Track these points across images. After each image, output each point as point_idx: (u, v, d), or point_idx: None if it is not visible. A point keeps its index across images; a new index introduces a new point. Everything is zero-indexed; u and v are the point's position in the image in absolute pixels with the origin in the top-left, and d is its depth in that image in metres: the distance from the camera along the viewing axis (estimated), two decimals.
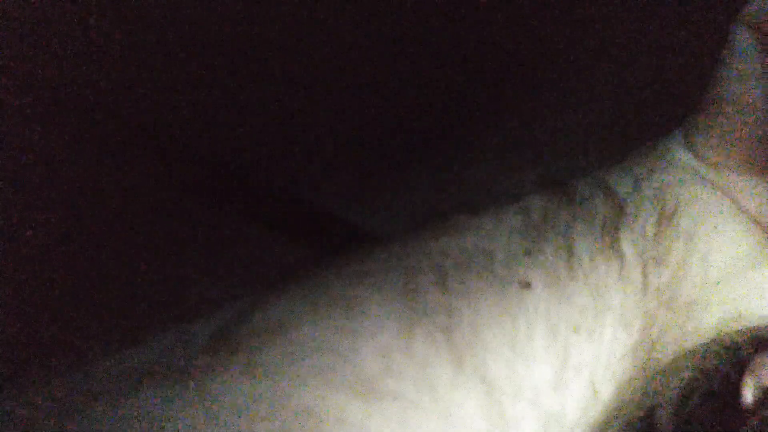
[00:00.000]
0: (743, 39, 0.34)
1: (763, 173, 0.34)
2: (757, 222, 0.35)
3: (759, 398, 0.41)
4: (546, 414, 0.31)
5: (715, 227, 0.35)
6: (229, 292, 0.31)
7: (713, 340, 0.36)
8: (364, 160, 0.59)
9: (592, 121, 0.58)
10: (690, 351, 0.35)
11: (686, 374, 0.39)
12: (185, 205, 0.58)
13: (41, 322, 0.49)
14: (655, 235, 0.34)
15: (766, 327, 0.37)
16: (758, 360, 0.41)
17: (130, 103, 0.60)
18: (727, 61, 0.34)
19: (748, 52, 0.34)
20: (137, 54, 0.60)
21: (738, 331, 0.36)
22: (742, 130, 0.34)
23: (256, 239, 0.58)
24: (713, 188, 0.35)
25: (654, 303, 0.33)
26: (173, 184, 0.59)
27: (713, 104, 0.35)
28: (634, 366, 0.33)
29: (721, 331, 0.36)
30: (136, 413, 0.27)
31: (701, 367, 0.39)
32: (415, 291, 0.31)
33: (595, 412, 0.33)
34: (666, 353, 0.34)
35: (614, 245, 0.33)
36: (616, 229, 0.33)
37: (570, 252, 0.33)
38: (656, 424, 0.42)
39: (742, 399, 0.41)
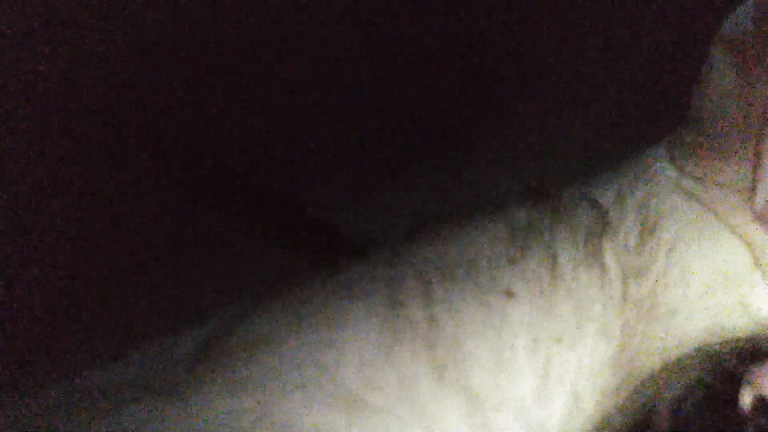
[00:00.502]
0: (720, 57, 0.34)
1: (744, 190, 0.34)
2: (739, 236, 0.35)
3: (756, 406, 0.41)
4: (529, 424, 0.32)
5: (696, 241, 0.35)
6: (218, 300, 0.31)
7: (696, 351, 0.36)
8: (358, 167, 0.59)
9: (580, 130, 0.58)
10: (674, 362, 0.36)
11: (676, 383, 0.39)
12: (181, 210, 0.59)
13: (27, 335, 0.49)
14: (637, 246, 0.34)
15: (746, 339, 0.37)
16: (756, 370, 0.41)
17: (131, 108, 0.61)
18: (706, 79, 0.35)
19: (725, 71, 0.34)
20: (139, 59, 0.61)
21: (720, 342, 0.36)
22: (721, 146, 0.34)
23: (252, 245, 0.58)
24: (696, 202, 0.35)
25: (634, 314, 0.33)
26: (171, 189, 0.59)
27: (694, 120, 0.35)
28: (616, 376, 0.34)
29: (703, 342, 0.36)
30: (119, 429, 0.28)
31: (688, 376, 0.39)
32: (399, 301, 0.32)
33: (578, 423, 0.33)
34: (649, 363, 0.35)
35: (597, 255, 0.33)
36: (599, 239, 0.34)
37: (554, 261, 0.33)
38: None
39: (740, 406, 0.42)
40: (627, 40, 0.58)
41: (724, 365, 0.39)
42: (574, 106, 0.59)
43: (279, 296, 0.32)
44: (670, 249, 0.34)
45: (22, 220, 0.55)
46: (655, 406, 0.42)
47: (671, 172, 0.35)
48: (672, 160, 0.36)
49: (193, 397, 0.28)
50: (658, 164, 0.36)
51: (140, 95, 0.60)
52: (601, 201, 0.35)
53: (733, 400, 0.42)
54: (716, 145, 0.34)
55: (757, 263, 0.35)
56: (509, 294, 0.32)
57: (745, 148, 0.34)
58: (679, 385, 0.41)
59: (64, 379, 0.29)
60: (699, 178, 0.35)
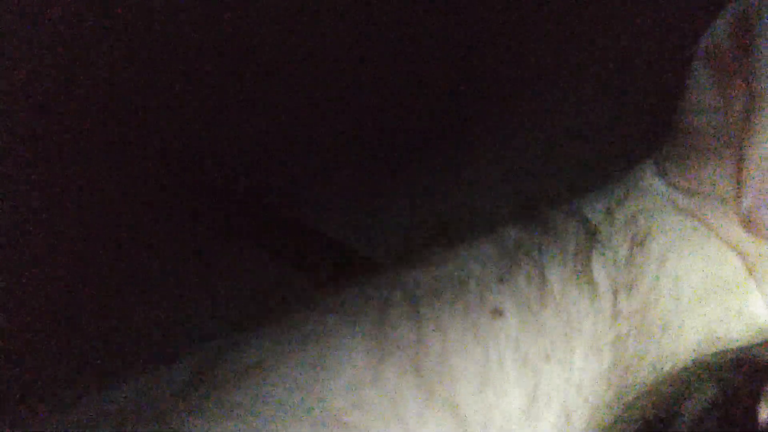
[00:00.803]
0: (701, 71, 0.34)
1: (732, 200, 0.35)
2: (730, 246, 0.35)
3: None
4: None
5: (686, 251, 0.35)
6: (213, 319, 0.31)
7: (694, 363, 0.36)
8: (357, 170, 0.60)
9: (568, 147, 0.58)
10: (673, 375, 0.36)
11: (689, 402, 0.39)
12: (183, 221, 0.59)
13: (22, 361, 0.50)
14: (627, 260, 0.34)
15: (744, 349, 0.37)
16: None
17: (133, 111, 0.61)
18: (688, 93, 0.35)
19: (704, 84, 0.35)
20: (141, 61, 0.61)
21: (716, 353, 0.36)
22: (706, 157, 0.35)
23: (250, 257, 0.58)
24: (685, 214, 0.35)
25: (625, 328, 0.34)
26: (173, 200, 0.60)
27: (679, 133, 0.36)
28: (608, 391, 0.34)
29: (699, 353, 0.36)
30: None
31: (695, 390, 0.40)
32: (387, 322, 0.32)
33: None
34: (642, 378, 0.35)
35: (586, 272, 0.34)
36: (588, 256, 0.34)
37: (542, 279, 0.33)
38: None
39: (759, 419, 0.42)
40: (619, 56, 0.58)
41: (734, 382, 0.39)
42: (569, 113, 0.60)
43: (270, 320, 0.33)
44: (660, 261, 0.34)
45: (22, 221, 0.56)
46: (660, 420, 0.43)
47: (661, 187, 0.36)
48: (660, 174, 0.36)
49: (186, 425, 0.29)
50: (647, 179, 0.36)
51: (143, 99, 0.61)
52: (590, 217, 0.35)
53: (751, 416, 0.42)
54: (701, 156, 0.35)
55: (750, 271, 0.36)
56: (498, 312, 0.33)
57: (729, 157, 0.34)
58: (694, 402, 0.41)
59: (59, 409, 0.29)
60: (687, 191, 0.35)
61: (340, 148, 0.60)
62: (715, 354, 0.36)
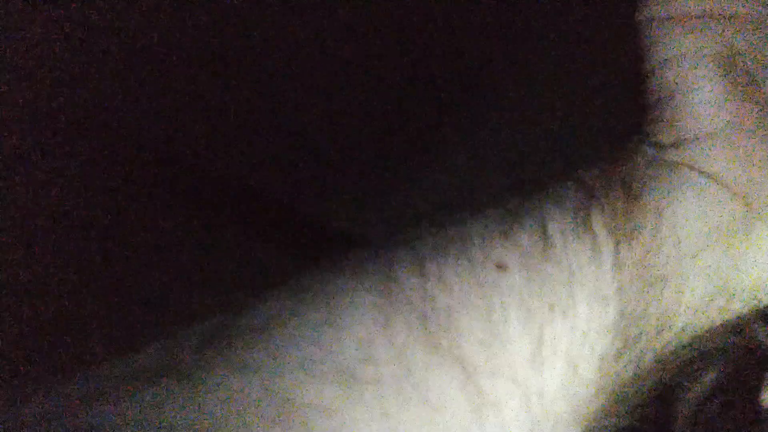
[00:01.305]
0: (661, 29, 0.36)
1: (720, 132, 0.36)
2: (725, 187, 0.36)
3: None
4: (526, 390, 0.33)
5: (681, 199, 0.36)
6: (219, 296, 0.33)
7: (708, 332, 0.37)
8: (349, 163, 0.61)
9: (561, 131, 0.59)
10: (685, 341, 0.36)
11: (694, 378, 0.40)
12: (180, 211, 0.60)
13: (42, 325, 0.51)
14: (624, 212, 0.35)
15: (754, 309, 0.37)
16: None
17: (131, 110, 0.63)
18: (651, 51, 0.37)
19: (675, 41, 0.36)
20: (142, 63, 0.62)
21: (727, 323, 0.37)
22: (683, 103, 0.36)
23: (246, 243, 0.60)
24: (676, 165, 0.36)
25: (628, 277, 0.34)
26: (169, 188, 0.61)
27: (656, 90, 0.37)
28: (615, 342, 0.34)
29: (710, 312, 0.36)
30: (133, 412, 0.30)
31: (700, 368, 0.40)
32: (394, 279, 0.33)
33: (578, 388, 0.34)
34: (651, 333, 0.35)
35: (586, 224, 0.35)
36: (587, 210, 0.35)
37: (544, 233, 0.34)
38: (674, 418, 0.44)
39: (762, 402, 0.42)
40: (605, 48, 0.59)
41: (740, 367, 0.39)
42: (544, 115, 0.60)
43: (283, 284, 0.34)
44: (657, 211, 0.35)
45: (24, 219, 0.57)
46: (673, 393, 0.43)
47: (648, 148, 0.37)
48: (646, 136, 0.37)
49: (202, 380, 0.30)
50: (634, 143, 0.37)
51: (141, 99, 0.62)
52: (585, 178, 0.36)
53: (754, 402, 0.43)
54: (677, 103, 0.36)
55: (749, 208, 0.36)
56: (502, 267, 0.34)
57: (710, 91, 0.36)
58: (698, 386, 0.42)
59: (81, 371, 0.31)
60: (673, 143, 0.36)
61: (337, 138, 0.61)
62: (725, 324, 0.37)
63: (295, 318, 0.32)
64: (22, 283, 0.55)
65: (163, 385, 0.30)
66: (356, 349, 0.31)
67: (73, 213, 0.58)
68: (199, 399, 0.30)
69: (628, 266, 0.34)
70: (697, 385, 0.44)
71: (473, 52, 0.61)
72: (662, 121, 0.37)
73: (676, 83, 0.36)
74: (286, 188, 0.61)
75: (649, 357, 0.36)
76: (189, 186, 0.63)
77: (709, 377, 0.44)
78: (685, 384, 0.44)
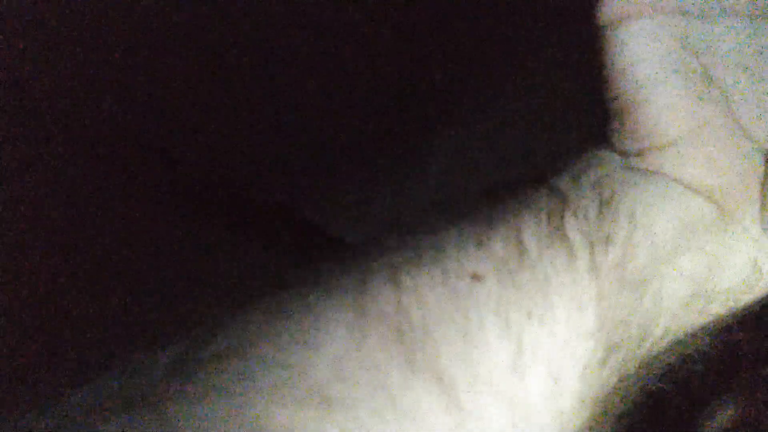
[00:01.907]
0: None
1: (684, 138, 0.36)
2: (694, 189, 0.36)
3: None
4: (509, 400, 0.32)
5: (654, 202, 0.35)
6: (188, 315, 0.32)
7: (694, 333, 0.36)
8: (337, 166, 0.60)
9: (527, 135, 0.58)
10: (672, 346, 0.36)
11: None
12: (172, 215, 0.60)
13: (39, 324, 0.51)
14: (597, 218, 0.34)
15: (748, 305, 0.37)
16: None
17: (131, 111, 0.62)
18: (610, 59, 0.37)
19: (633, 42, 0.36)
20: (143, 65, 0.62)
21: (714, 317, 0.36)
22: (647, 110, 0.36)
23: (232, 244, 0.59)
24: (643, 172, 0.36)
25: (606, 283, 0.34)
26: (166, 192, 0.60)
27: (615, 101, 0.37)
28: (597, 348, 0.34)
29: (692, 315, 0.36)
30: None
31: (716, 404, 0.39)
32: (367, 292, 0.32)
33: (562, 399, 0.33)
34: (633, 334, 0.35)
35: (560, 230, 0.34)
36: (561, 217, 0.34)
37: (518, 240, 0.34)
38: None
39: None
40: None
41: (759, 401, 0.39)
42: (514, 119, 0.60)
43: (251, 301, 0.33)
44: (629, 215, 0.35)
45: (20, 221, 0.56)
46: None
47: (615, 156, 0.37)
48: (611, 147, 0.37)
49: (170, 408, 0.29)
50: (602, 152, 0.37)
51: (140, 100, 0.62)
52: (558, 184, 0.36)
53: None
54: (642, 111, 0.36)
55: (721, 210, 0.36)
56: (476, 277, 0.33)
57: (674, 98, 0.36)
58: (716, 419, 0.42)
59: (47, 401, 0.30)
60: (640, 151, 0.36)
61: (329, 140, 0.60)
62: (704, 328, 0.37)
63: (265, 339, 0.31)
64: (22, 284, 0.54)
65: (132, 414, 0.30)
66: (329, 369, 0.30)
67: (73, 213, 0.58)
68: (169, 429, 0.29)
69: (605, 271, 0.34)
70: (718, 418, 0.44)
71: (447, 60, 0.60)
72: (626, 130, 0.36)
73: (635, 90, 0.36)
74: (284, 191, 0.60)
75: (632, 364, 0.35)
76: (188, 188, 0.62)
77: (728, 411, 0.44)
78: (700, 421, 0.44)
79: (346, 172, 0.60)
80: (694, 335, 0.37)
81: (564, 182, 0.36)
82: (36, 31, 0.60)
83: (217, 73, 0.62)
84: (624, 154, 0.37)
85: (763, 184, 0.36)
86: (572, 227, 0.34)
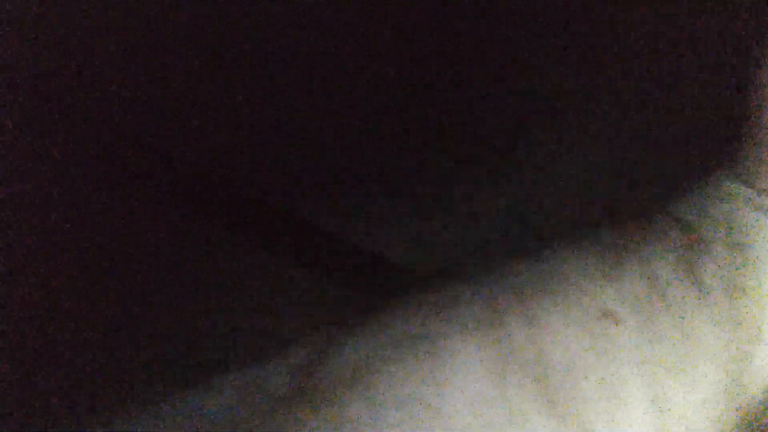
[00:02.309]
0: None
1: None
2: None
3: None
4: None
5: None
6: (295, 327, 0.31)
7: None
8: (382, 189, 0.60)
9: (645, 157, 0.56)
10: None
11: None
12: (178, 212, 0.59)
13: (40, 324, 0.49)
14: (732, 264, 0.33)
15: None
16: None
17: (133, 114, 0.61)
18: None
19: None
20: (138, 65, 0.61)
21: None
22: None
23: (232, 246, 0.59)
24: None
25: (745, 336, 0.32)
26: (167, 192, 0.60)
27: (756, 133, 0.35)
28: (730, 407, 0.32)
29: None
30: None
31: None
32: (499, 324, 0.30)
33: None
34: (756, 392, 0.33)
35: (695, 272, 0.32)
36: (691, 253, 0.33)
37: (651, 279, 0.32)
38: None
39: None
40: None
41: None
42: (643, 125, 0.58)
43: (365, 320, 0.31)
44: (762, 264, 0.33)
45: (21, 223, 0.55)
46: None
47: (741, 189, 0.35)
48: (738, 176, 0.35)
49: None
50: (728, 182, 0.35)
51: (141, 101, 0.61)
52: (686, 217, 0.34)
53: None
54: None
55: None
56: (612, 317, 0.31)
57: None
58: None
59: (149, 408, 0.29)
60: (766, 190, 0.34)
61: (380, 162, 0.60)
62: None
63: (395, 365, 0.29)
64: (21, 283, 0.53)
65: None
66: (468, 412, 0.29)
67: (73, 213, 0.57)
68: None
69: (744, 323, 0.32)
70: None
71: (551, 69, 0.59)
72: (765, 164, 0.34)
73: None
74: (292, 194, 0.60)
75: (755, 426, 0.34)
76: (188, 188, 0.61)
77: None
78: None
79: (405, 198, 0.59)
80: None
81: (692, 215, 0.34)
82: (36, 32, 0.59)
83: (217, 73, 0.62)
84: (753, 186, 0.34)
85: None
86: (707, 270, 0.32)
